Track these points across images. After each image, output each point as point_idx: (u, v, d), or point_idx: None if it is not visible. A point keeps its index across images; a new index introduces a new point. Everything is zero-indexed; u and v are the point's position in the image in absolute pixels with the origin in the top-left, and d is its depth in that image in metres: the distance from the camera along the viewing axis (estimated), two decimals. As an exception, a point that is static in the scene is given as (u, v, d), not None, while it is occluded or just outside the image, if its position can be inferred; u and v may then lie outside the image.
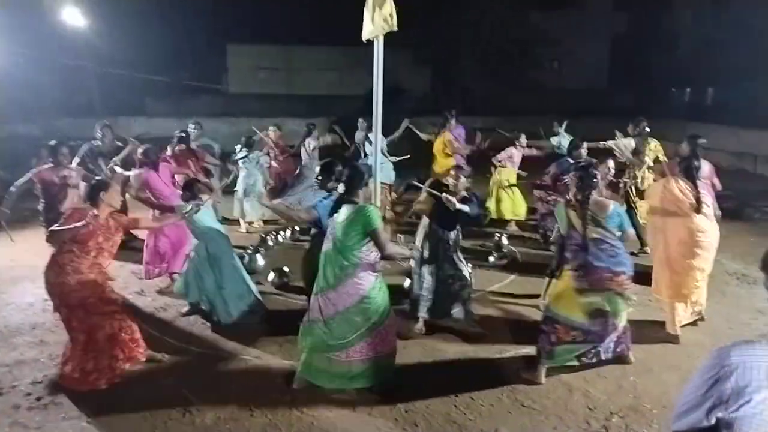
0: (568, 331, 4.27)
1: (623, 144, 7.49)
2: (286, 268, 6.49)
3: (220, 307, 5.23)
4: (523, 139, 8.78)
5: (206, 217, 5.34)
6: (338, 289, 3.92)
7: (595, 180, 4.30)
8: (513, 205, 8.80)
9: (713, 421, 1.77)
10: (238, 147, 8.84)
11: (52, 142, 6.66)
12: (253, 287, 5.50)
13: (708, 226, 5.01)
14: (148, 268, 6.24)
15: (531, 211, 8.89)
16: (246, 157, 8.70)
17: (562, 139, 9.23)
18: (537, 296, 5.91)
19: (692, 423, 1.82)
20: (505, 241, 7.66)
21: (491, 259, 7.17)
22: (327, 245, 4.02)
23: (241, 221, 8.86)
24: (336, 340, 3.98)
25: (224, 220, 8.80)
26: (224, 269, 5.28)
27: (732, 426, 1.75)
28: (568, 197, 4.51)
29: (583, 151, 7.65)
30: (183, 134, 8.04)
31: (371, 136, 8.60)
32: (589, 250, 4.18)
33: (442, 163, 8.74)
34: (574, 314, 4.26)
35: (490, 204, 8.84)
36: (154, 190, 6.14)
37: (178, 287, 5.50)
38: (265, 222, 9.09)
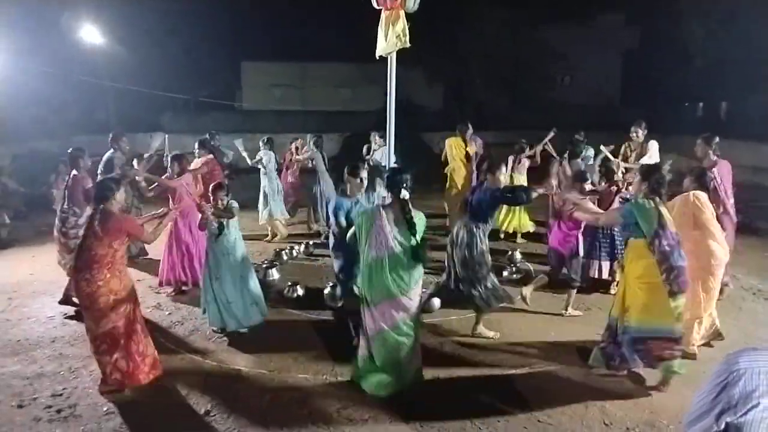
0: (667, 344, 4.15)
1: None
2: (300, 282, 6.54)
3: (229, 313, 5.31)
4: (528, 150, 8.97)
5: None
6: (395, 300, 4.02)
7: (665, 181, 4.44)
8: (519, 218, 8.82)
9: (722, 426, 1.80)
10: (261, 144, 9.12)
11: (72, 149, 6.72)
12: (261, 300, 5.56)
13: (722, 241, 4.99)
14: (164, 277, 6.54)
15: (538, 224, 8.95)
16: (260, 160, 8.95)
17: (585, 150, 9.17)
18: (552, 313, 5.95)
19: (703, 429, 1.84)
20: (518, 255, 7.67)
21: (505, 274, 7.17)
22: (382, 252, 3.98)
23: (280, 230, 9.08)
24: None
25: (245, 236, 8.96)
26: (233, 276, 5.37)
27: (741, 430, 1.78)
28: (650, 195, 4.31)
29: (591, 152, 7.92)
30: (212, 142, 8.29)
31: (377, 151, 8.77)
32: (680, 250, 4.16)
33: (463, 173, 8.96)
34: (668, 323, 4.15)
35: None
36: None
37: (210, 317, 5.48)
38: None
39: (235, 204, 5.41)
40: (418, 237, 4.02)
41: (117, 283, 4.30)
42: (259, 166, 8.97)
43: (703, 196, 4.91)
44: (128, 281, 4.44)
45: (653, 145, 7.76)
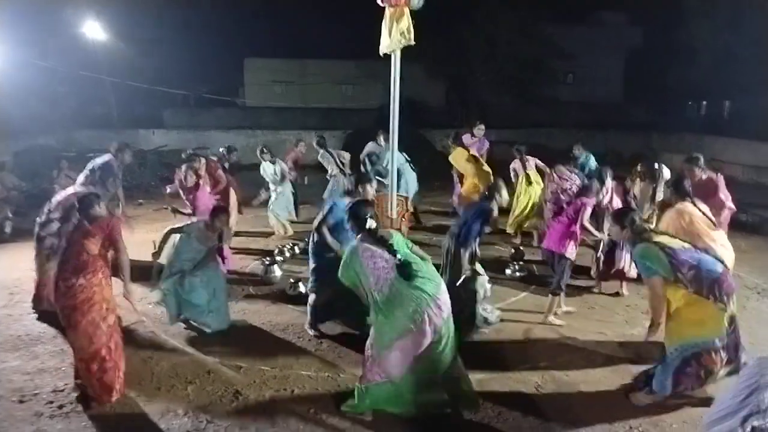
0: (714, 355, 3.85)
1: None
2: (302, 279, 6.52)
3: (209, 315, 5.32)
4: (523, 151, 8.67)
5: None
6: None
7: None
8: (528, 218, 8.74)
9: (748, 430, 1.75)
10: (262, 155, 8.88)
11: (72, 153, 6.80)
12: (221, 310, 5.46)
13: (727, 245, 4.91)
14: None
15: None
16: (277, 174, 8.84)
17: (588, 159, 8.94)
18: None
19: (726, 430, 1.80)
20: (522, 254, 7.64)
21: (508, 272, 7.14)
22: (391, 275, 3.75)
23: (278, 229, 8.93)
24: None
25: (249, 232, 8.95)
26: (202, 275, 5.35)
27: None
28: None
29: (593, 162, 7.89)
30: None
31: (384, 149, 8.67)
32: (704, 258, 3.92)
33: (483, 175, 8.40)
34: (714, 334, 3.84)
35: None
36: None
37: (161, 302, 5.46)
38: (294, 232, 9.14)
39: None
40: (400, 256, 3.84)
41: (109, 292, 4.18)
42: (273, 179, 8.84)
43: (687, 208, 4.74)
44: (112, 291, 4.26)
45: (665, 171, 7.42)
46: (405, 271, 3.74)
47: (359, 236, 3.96)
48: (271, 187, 8.82)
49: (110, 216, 4.40)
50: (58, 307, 4.10)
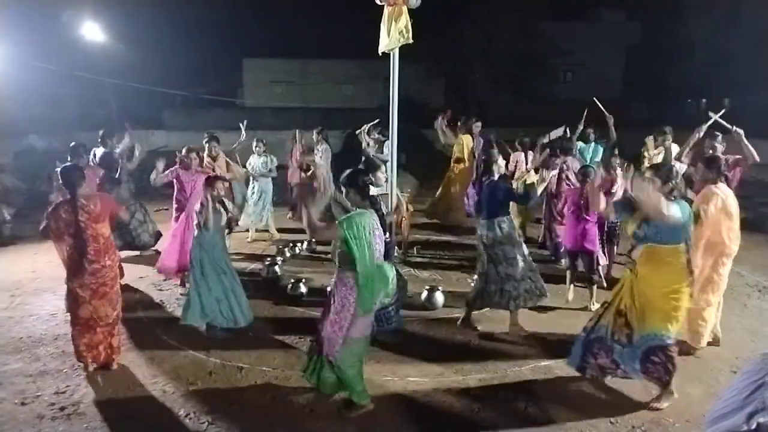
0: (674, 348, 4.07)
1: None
2: (303, 279, 6.52)
3: (229, 312, 5.26)
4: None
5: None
6: None
7: None
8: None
9: (754, 426, 1.73)
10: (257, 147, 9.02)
11: (72, 144, 6.95)
12: (241, 305, 5.41)
13: (737, 235, 4.91)
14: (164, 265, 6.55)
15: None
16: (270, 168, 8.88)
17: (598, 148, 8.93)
18: (552, 308, 5.91)
19: (730, 427, 1.78)
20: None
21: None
22: (380, 255, 3.90)
23: (250, 230, 8.91)
24: None
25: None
26: (217, 272, 5.31)
27: None
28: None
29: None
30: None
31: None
32: None
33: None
34: (677, 330, 4.09)
35: None
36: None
37: (188, 319, 5.32)
38: (279, 230, 9.13)
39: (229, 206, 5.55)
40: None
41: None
42: (266, 175, 8.83)
43: (726, 192, 4.69)
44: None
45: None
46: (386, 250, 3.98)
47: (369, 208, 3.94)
48: (252, 180, 8.83)
49: (104, 194, 4.75)
50: (82, 284, 4.41)
